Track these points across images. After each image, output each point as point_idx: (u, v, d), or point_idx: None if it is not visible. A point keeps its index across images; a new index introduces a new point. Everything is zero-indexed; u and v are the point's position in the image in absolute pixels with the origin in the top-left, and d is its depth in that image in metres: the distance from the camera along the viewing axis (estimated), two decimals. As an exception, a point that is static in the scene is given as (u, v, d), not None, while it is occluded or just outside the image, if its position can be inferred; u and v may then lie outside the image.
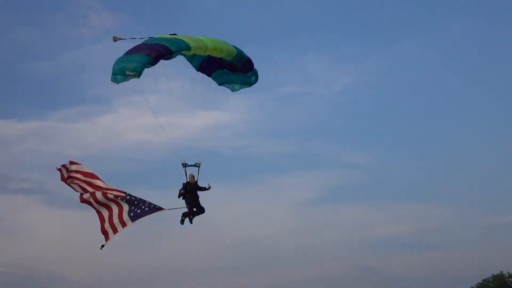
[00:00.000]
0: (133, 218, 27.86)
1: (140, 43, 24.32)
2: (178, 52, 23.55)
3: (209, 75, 26.39)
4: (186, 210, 28.53)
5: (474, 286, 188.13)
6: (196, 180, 27.90)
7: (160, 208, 28.14)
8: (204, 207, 29.05)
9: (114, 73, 22.80)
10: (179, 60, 25.57)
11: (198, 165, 26.92)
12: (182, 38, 23.92)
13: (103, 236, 28.69)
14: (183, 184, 27.74)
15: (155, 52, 23.13)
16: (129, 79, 22.58)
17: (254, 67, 27.28)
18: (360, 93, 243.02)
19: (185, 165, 27.06)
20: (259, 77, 27.89)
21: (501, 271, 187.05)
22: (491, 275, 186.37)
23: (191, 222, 28.18)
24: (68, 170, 29.69)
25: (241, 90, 27.52)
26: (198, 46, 23.81)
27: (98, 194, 28.86)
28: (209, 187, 27.81)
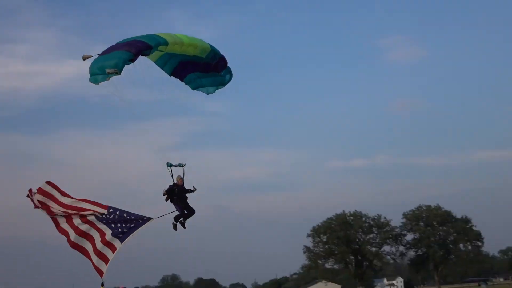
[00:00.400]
0: (121, 239, 26.60)
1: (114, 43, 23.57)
2: (156, 47, 22.99)
3: (182, 80, 26.07)
4: (175, 214, 27.69)
5: (320, 224, 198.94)
6: (183, 181, 27.19)
7: (148, 219, 27.28)
8: (194, 208, 28.25)
9: (93, 74, 21.78)
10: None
11: (183, 165, 26.62)
12: (159, 34, 23.30)
13: (98, 274, 27.04)
14: (170, 186, 26.99)
15: (135, 47, 22.40)
16: (109, 78, 21.68)
17: (228, 65, 26.59)
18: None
19: (170, 165, 26.38)
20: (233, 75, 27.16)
21: (343, 210, 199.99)
22: (334, 214, 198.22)
23: (184, 226, 27.45)
24: (42, 191, 27.78)
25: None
26: (175, 41, 23.36)
27: (76, 220, 27.23)
28: (194, 189, 27.26)
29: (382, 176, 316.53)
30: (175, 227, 27.30)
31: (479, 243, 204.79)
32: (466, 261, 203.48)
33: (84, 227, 27.13)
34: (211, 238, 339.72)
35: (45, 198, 27.79)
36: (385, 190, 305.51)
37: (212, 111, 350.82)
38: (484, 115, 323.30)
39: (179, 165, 26.35)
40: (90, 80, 21.65)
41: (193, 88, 26.13)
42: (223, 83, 26.29)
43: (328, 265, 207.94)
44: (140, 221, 26.77)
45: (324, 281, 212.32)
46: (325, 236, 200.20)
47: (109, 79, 21.60)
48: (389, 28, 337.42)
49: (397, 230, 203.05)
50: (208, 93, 26.18)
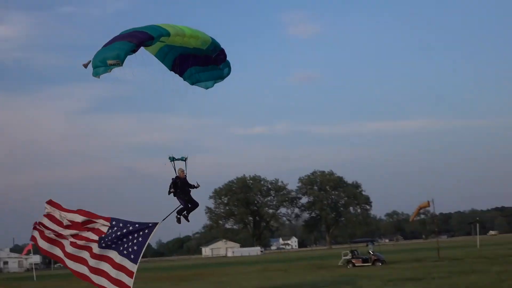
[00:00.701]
0: (135, 260, 24.17)
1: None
2: (158, 38, 21.79)
3: (181, 75, 24.64)
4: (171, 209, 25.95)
5: (221, 187, 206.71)
6: (185, 174, 26.00)
7: (154, 224, 25.13)
8: (197, 201, 27.06)
9: (96, 66, 20.59)
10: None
11: (185, 158, 25.43)
12: (161, 25, 22.35)
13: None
14: (173, 179, 25.84)
15: (136, 38, 21.21)
16: (111, 70, 20.41)
17: (227, 58, 25.05)
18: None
19: (172, 159, 25.26)
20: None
21: (244, 174, 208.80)
22: (235, 178, 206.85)
23: (187, 219, 26.38)
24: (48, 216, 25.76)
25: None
26: (177, 33, 22.23)
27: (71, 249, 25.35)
28: (198, 186, 26.31)
29: (280, 143, 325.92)
30: (178, 221, 26.21)
31: (368, 207, 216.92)
32: (355, 223, 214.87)
33: (92, 262, 24.75)
34: (119, 198, 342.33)
35: (49, 221, 25.85)
36: (283, 156, 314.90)
37: (120, 78, 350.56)
38: (373, 89, 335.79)
39: (181, 158, 25.36)
40: (93, 74, 20.64)
41: (192, 83, 24.83)
42: (221, 77, 25.10)
43: (228, 225, 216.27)
44: (146, 230, 24.83)
45: (224, 240, 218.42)
46: (226, 198, 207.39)
47: (110, 71, 20.46)
48: (291, 4, 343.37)
49: (293, 193, 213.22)
50: (207, 88, 25.08)
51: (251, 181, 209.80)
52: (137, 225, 24.84)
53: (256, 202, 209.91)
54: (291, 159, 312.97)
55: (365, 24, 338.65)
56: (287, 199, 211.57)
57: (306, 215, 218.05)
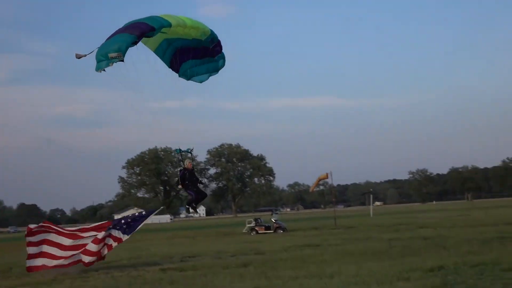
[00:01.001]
0: (128, 232, 23.66)
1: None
2: (159, 29, 20.47)
3: (177, 72, 23.25)
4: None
5: (134, 157, 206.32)
6: (192, 165, 25.85)
7: (155, 209, 25.60)
8: (204, 191, 26.77)
9: (99, 61, 19.12)
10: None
11: (190, 150, 25.08)
12: (161, 16, 20.86)
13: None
14: (181, 171, 25.55)
15: (138, 30, 19.92)
16: (113, 64, 19.02)
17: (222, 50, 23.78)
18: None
19: (179, 151, 24.95)
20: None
21: (156, 146, 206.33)
22: (148, 149, 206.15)
23: (195, 211, 25.74)
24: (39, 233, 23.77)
25: None
26: (178, 23, 20.93)
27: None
28: (204, 183, 26.07)
29: (191, 117, 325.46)
30: (187, 211, 25.88)
31: (271, 178, 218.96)
32: (259, 193, 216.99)
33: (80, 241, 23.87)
34: (34, 166, 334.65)
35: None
36: (193, 129, 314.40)
37: (38, 51, 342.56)
38: (278, 69, 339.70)
39: (187, 150, 25.00)
40: (96, 69, 19.20)
41: (188, 79, 23.53)
42: (216, 69, 23.68)
43: (140, 194, 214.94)
44: (144, 213, 24.87)
45: (135, 208, 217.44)
46: (138, 169, 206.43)
47: (112, 65, 19.06)
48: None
49: (202, 164, 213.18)
50: (201, 82, 23.78)
51: (162, 153, 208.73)
52: (136, 214, 24.80)
53: (166, 172, 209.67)
54: (200, 132, 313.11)
55: (276, 7, 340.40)
56: (196, 170, 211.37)
57: (213, 185, 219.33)
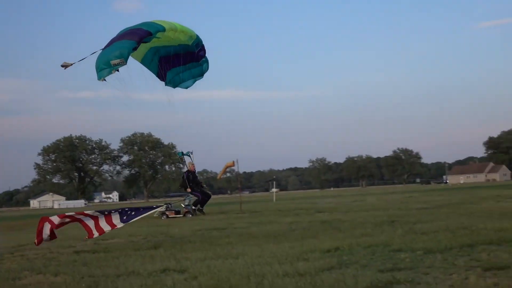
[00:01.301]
0: (125, 221, 20.91)
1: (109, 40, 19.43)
2: (155, 34, 19.32)
3: (163, 80, 21.62)
4: (157, 206, 24.29)
5: (50, 144, 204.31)
6: (195, 167, 24.88)
7: (158, 206, 23.83)
8: (209, 192, 25.76)
9: (100, 69, 17.73)
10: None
11: (190, 153, 24.47)
12: (155, 21, 19.79)
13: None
14: (185, 173, 24.56)
15: (137, 35, 18.67)
16: (115, 71, 17.53)
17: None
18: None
19: (181, 154, 24.10)
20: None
21: (71, 134, 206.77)
22: (63, 137, 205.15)
23: (203, 212, 24.66)
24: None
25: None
26: (170, 27, 19.76)
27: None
28: (206, 188, 24.65)
29: (105, 107, 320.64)
30: (194, 212, 24.60)
31: (181, 165, 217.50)
32: (170, 180, 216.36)
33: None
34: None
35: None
36: (107, 119, 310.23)
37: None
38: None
39: (187, 153, 24.27)
40: (98, 78, 17.73)
41: (174, 87, 21.80)
42: (201, 73, 22.08)
43: (55, 180, 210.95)
44: (147, 209, 22.15)
45: (51, 193, 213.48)
46: (53, 155, 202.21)
47: (114, 72, 17.62)
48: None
49: (115, 152, 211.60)
50: (187, 87, 21.99)
51: (77, 140, 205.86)
52: (141, 208, 21.81)
53: (81, 159, 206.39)
54: (114, 122, 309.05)
55: (184, 3, 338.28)
56: (109, 157, 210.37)
57: (126, 172, 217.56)
